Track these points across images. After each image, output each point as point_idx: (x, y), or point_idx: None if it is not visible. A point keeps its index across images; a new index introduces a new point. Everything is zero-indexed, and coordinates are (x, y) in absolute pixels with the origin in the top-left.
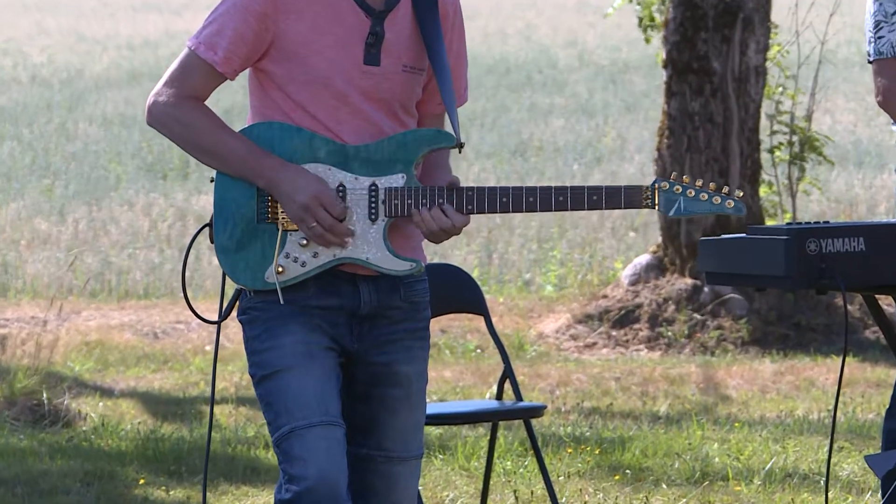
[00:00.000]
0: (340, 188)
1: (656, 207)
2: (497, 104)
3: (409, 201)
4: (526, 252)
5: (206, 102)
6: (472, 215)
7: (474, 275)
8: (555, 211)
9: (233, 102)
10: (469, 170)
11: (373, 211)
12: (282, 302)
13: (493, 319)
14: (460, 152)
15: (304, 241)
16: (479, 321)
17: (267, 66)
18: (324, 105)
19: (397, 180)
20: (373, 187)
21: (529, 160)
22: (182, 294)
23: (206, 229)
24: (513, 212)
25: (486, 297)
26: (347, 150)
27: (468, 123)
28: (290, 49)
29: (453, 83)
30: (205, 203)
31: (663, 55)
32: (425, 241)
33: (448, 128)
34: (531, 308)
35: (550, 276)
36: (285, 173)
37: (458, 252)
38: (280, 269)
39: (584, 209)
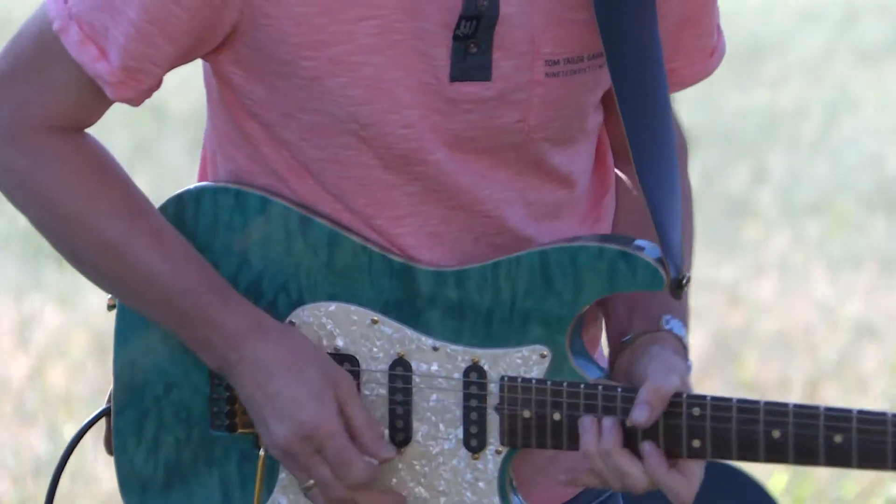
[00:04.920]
0: (399, 369)
1: None
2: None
3: (556, 417)
4: None
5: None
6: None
7: (778, 489)
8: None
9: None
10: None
11: (474, 431)
12: None
13: None
14: (679, 297)
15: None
16: None
17: (232, 76)
18: (362, 178)
19: (529, 363)
20: (472, 373)
21: None
22: None
23: (102, 422)
24: (796, 463)
25: None
26: (417, 278)
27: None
28: (279, 50)
29: (693, 41)
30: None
31: None
32: None
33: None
34: None
35: None
36: (256, 353)
37: None
38: None
39: None
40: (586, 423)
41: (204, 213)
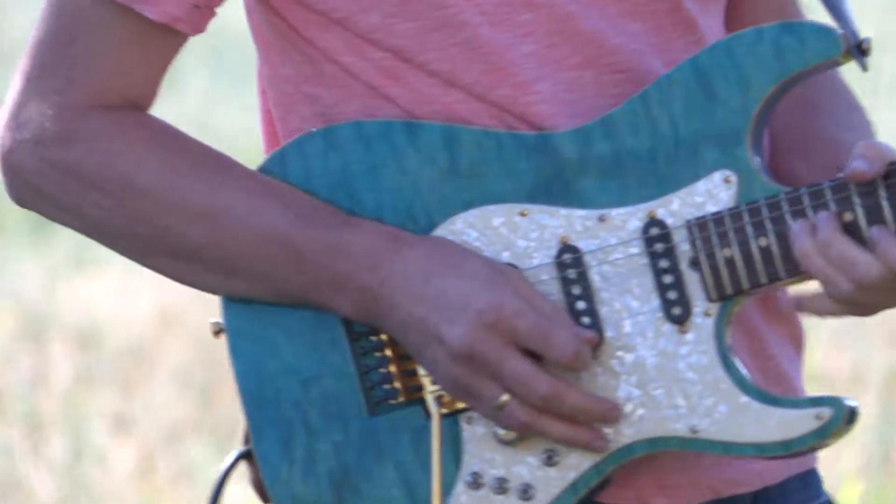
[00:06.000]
0: (567, 257)
1: None
2: None
3: (763, 243)
4: None
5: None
6: None
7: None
8: None
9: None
10: None
11: (672, 296)
12: None
13: None
14: (865, 67)
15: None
16: None
17: None
18: (470, 41)
19: (713, 193)
20: (651, 230)
21: None
22: None
23: (242, 463)
24: None
25: None
26: (557, 145)
27: None
28: None
29: None
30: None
31: None
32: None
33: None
34: None
35: None
36: (403, 263)
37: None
38: None
39: None
40: (796, 227)
41: (293, 171)
